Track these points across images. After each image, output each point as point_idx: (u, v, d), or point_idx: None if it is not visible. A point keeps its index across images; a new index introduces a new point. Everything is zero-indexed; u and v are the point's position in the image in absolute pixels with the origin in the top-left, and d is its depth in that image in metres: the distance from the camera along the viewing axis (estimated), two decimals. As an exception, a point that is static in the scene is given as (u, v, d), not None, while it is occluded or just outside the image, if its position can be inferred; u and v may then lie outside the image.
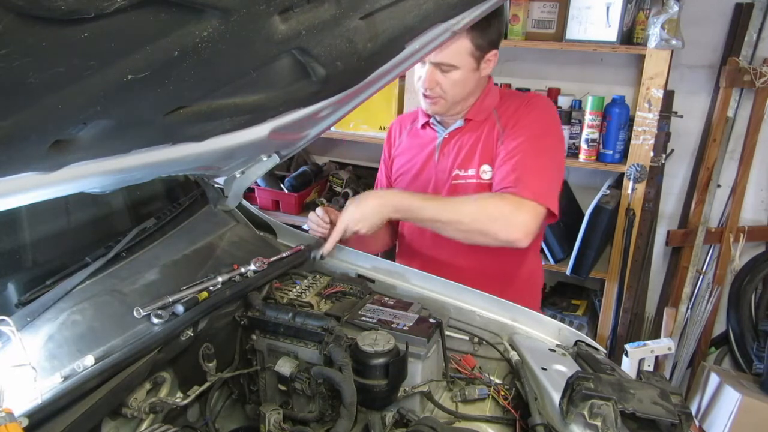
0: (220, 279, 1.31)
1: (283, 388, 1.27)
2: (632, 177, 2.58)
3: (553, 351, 1.34)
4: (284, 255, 1.52)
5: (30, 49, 0.60)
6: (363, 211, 1.57)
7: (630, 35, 2.63)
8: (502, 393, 1.26)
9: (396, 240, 2.01)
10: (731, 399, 2.69)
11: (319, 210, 1.68)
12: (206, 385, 1.22)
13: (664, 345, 2.36)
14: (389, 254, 2.00)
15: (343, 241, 1.62)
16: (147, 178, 1.27)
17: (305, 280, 1.49)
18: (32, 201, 1.01)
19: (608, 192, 2.67)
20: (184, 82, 0.84)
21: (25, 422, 0.83)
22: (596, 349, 1.37)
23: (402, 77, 2.89)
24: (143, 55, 0.72)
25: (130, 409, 1.07)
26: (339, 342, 1.17)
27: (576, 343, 1.39)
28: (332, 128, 1.62)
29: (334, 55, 0.99)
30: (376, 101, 2.73)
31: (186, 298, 1.20)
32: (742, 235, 2.91)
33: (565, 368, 1.22)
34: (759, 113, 2.77)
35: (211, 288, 1.27)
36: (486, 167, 1.70)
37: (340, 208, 1.64)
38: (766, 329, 2.93)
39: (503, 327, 1.42)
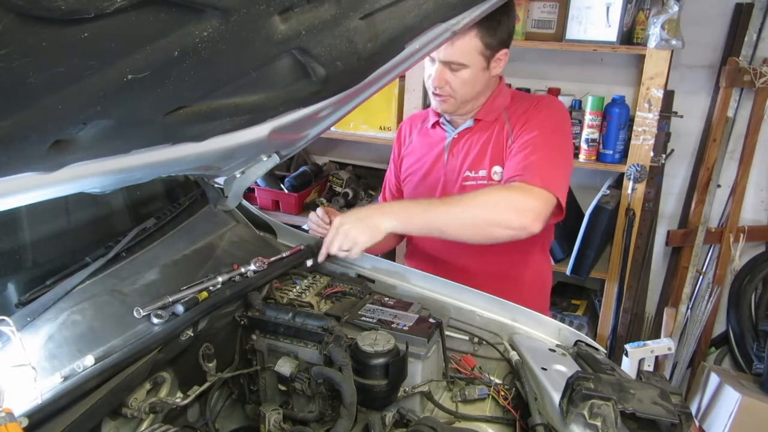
0: (220, 279, 1.31)
1: (283, 388, 1.27)
2: (632, 177, 2.57)
3: (553, 351, 1.34)
4: (284, 255, 1.52)
5: (30, 49, 0.60)
6: (355, 239, 1.48)
7: (630, 35, 2.63)
8: (502, 393, 1.26)
9: (399, 241, 2.00)
10: (731, 399, 2.69)
11: (319, 210, 1.67)
12: (206, 385, 1.21)
13: (664, 345, 2.36)
14: (389, 254, 2.00)
15: None
16: (147, 178, 1.27)
17: (305, 280, 1.49)
18: (32, 201, 1.01)
19: (608, 192, 2.66)
20: (184, 82, 0.84)
21: (25, 422, 0.83)
22: (596, 349, 1.37)
23: (402, 77, 2.88)
24: (143, 55, 0.72)
25: (130, 409, 1.07)
26: (339, 342, 1.17)
27: (576, 343, 1.39)
28: (332, 128, 1.61)
29: (334, 55, 0.99)
30: (376, 101, 2.73)
31: (186, 298, 1.20)
32: (742, 235, 2.91)
33: (565, 368, 1.22)
34: (759, 113, 2.77)
35: (211, 288, 1.28)
36: (497, 168, 1.68)
37: (340, 208, 1.63)
38: (766, 329, 2.92)
39: (503, 327, 1.42)
